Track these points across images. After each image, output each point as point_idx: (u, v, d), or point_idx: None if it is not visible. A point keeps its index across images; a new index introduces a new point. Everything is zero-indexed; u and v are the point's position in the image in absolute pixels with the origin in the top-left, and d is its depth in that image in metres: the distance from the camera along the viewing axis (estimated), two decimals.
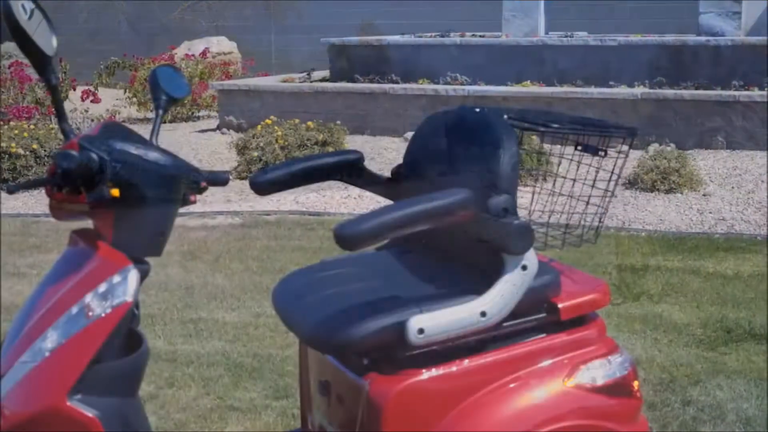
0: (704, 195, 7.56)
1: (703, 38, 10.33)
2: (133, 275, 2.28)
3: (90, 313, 2.24)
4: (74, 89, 11.55)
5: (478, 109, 2.79)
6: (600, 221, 2.79)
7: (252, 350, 4.45)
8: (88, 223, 2.41)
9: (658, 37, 10.85)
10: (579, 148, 2.82)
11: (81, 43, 16.27)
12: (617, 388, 2.56)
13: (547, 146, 3.40)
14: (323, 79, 12.10)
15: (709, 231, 6.66)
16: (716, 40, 10.15)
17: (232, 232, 6.89)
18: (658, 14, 14.67)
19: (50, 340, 2.24)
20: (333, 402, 2.64)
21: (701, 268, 5.65)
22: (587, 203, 2.76)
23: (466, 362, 2.45)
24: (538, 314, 2.55)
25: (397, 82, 11.23)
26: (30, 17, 2.15)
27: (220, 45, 15.30)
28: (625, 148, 2.72)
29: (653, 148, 8.82)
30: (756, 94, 9.21)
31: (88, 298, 2.25)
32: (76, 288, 2.27)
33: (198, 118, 13.04)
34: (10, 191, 2.19)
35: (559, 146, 2.83)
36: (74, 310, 2.25)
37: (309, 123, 8.83)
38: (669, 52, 10.32)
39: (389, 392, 2.38)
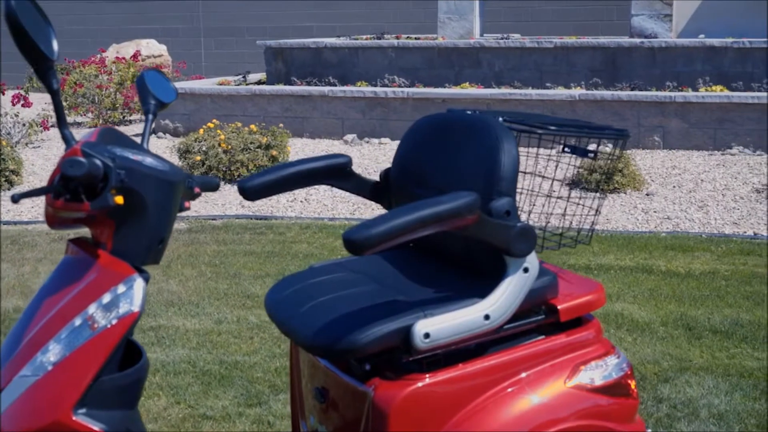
0: (647, 195, 7.69)
1: (637, 40, 10.51)
2: (139, 284, 2.22)
3: (95, 325, 2.18)
4: (3, 93, 11.29)
5: (469, 112, 2.79)
6: (593, 222, 2.81)
7: (218, 357, 4.39)
8: (81, 231, 2.35)
9: (593, 39, 11.01)
10: (567, 150, 2.85)
11: (10, 46, 15.90)
12: (616, 389, 2.58)
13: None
14: (259, 82, 12.02)
15: (655, 230, 6.76)
16: (650, 42, 10.34)
17: (180, 238, 6.79)
18: (588, 16, 14.90)
19: (53, 352, 2.17)
20: (331, 408, 2.61)
21: (654, 267, 5.74)
22: (582, 205, 2.77)
23: (469, 365, 2.45)
24: (537, 316, 2.56)
25: (334, 85, 11.21)
26: (31, 19, 2.08)
27: (150, 48, 15.09)
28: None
29: (591, 148, 8.93)
30: (691, 94, 9.40)
31: (92, 308, 2.19)
32: (77, 298, 2.20)
33: (130, 122, 12.85)
34: (14, 200, 2.11)
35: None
36: (77, 321, 2.18)
37: (252, 126, 8.76)
38: (604, 54, 10.49)
39: (395, 398, 2.36)
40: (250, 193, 2.78)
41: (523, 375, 2.50)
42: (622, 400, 2.60)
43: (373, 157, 9.36)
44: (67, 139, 2.23)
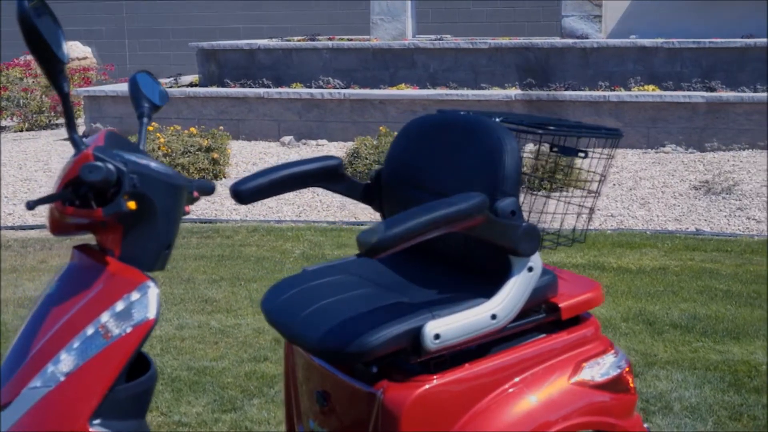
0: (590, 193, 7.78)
1: (570, 41, 10.67)
2: (153, 291, 2.18)
3: (108, 334, 2.13)
4: None
5: (463, 112, 2.80)
6: (587, 221, 2.85)
7: (185, 363, 4.32)
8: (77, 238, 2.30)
9: (526, 40, 11.15)
10: (555, 149, 2.88)
11: None
12: (616, 385, 2.61)
13: None
14: (191, 84, 11.90)
15: (601, 228, 6.87)
16: (583, 42, 10.50)
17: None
18: (516, 17, 15.07)
19: (64, 363, 2.12)
20: (334, 411, 2.60)
21: (605, 264, 5.82)
22: (581, 205, 2.81)
23: (475, 365, 2.46)
24: (538, 315, 2.58)
25: (268, 86, 11.15)
26: (43, 21, 2.03)
27: (75, 50, 14.80)
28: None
29: (528, 148, 9.05)
30: (625, 94, 9.58)
31: (105, 317, 2.14)
32: (88, 307, 2.16)
33: (57, 125, 12.60)
34: (29, 207, 2.06)
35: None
36: (89, 330, 2.13)
37: (192, 129, 8.66)
38: (538, 55, 10.61)
39: (405, 399, 2.36)
40: (245, 196, 2.74)
41: (528, 373, 2.52)
42: (621, 395, 2.63)
43: None
44: (76, 143, 2.18)
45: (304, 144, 10.17)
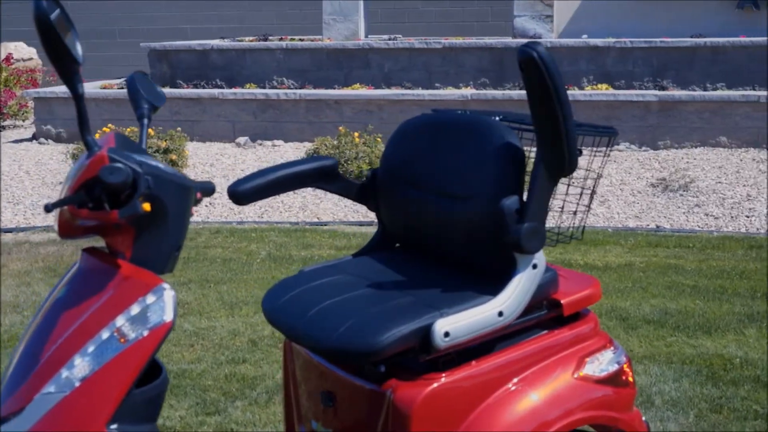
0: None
1: (523, 41, 10.74)
2: (169, 294, 2.17)
3: (123, 338, 2.11)
4: None
5: (460, 111, 2.81)
6: (584, 218, 2.88)
7: None
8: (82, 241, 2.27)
9: (479, 40, 11.22)
10: None
11: None
12: (617, 379, 2.65)
13: None
14: None
15: (564, 225, 6.92)
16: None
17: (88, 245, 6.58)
18: (466, 17, 15.15)
19: (79, 368, 2.09)
20: (340, 411, 2.59)
21: (572, 261, 5.89)
22: (578, 203, 2.84)
23: (482, 363, 2.48)
24: (540, 311, 2.60)
25: (222, 87, 11.08)
26: (59, 21, 2.00)
27: (19, 51, 14.56)
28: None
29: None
30: (578, 93, 9.68)
31: (120, 321, 2.12)
32: (102, 311, 2.13)
33: (3, 128, 12.39)
34: (47, 210, 2.03)
35: None
36: (104, 334, 2.11)
37: (149, 130, 8.57)
38: (491, 55, 10.68)
39: (416, 398, 2.36)
40: (242, 197, 2.72)
41: (533, 370, 2.54)
42: (621, 389, 2.67)
43: (271, 160, 9.29)
44: (89, 145, 2.15)
45: (260, 145, 10.12)
